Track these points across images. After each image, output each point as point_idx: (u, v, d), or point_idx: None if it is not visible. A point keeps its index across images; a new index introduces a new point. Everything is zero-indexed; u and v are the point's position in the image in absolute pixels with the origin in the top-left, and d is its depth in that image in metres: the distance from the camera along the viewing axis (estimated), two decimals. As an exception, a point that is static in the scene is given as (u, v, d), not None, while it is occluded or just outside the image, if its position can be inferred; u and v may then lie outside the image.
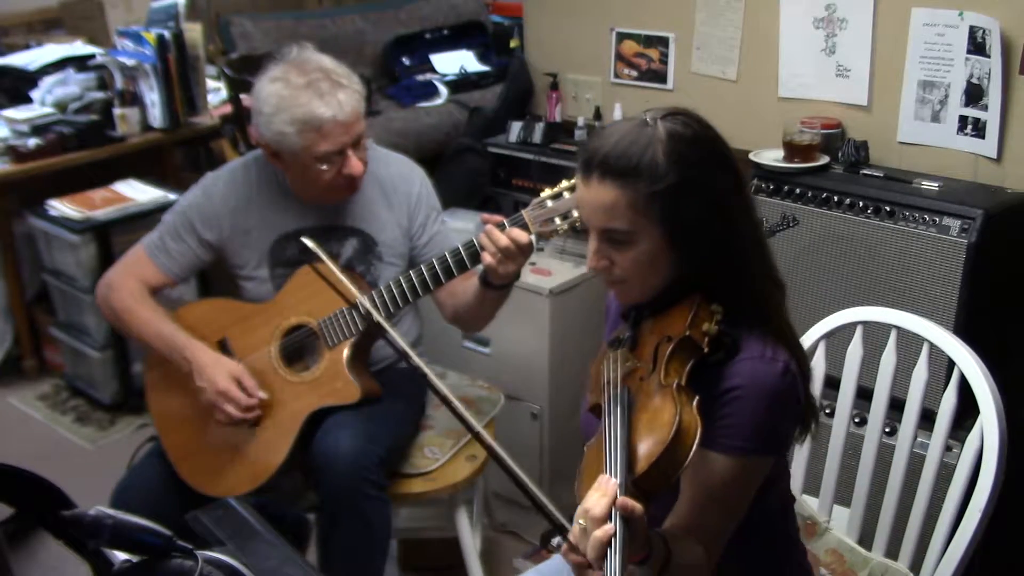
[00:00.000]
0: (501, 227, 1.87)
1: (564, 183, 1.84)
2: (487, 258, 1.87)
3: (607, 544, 1.10)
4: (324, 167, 2.02)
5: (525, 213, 1.87)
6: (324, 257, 1.73)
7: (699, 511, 1.35)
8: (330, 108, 1.97)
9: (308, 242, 1.78)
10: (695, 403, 1.23)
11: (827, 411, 2.16)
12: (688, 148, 1.32)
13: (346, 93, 2.00)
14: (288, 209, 2.16)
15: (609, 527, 1.10)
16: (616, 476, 1.16)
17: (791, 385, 1.35)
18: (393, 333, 1.51)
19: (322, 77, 1.99)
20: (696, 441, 1.19)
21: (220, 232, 2.17)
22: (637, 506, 1.13)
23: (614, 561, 1.08)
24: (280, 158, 2.06)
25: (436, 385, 1.36)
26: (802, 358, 1.42)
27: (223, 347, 2.15)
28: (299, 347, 2.12)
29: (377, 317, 1.59)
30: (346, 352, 2.07)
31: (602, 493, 1.14)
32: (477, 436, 1.33)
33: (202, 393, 2.06)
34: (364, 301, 1.68)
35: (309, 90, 1.98)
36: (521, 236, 1.85)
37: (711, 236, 1.34)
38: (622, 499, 1.12)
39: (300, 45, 2.08)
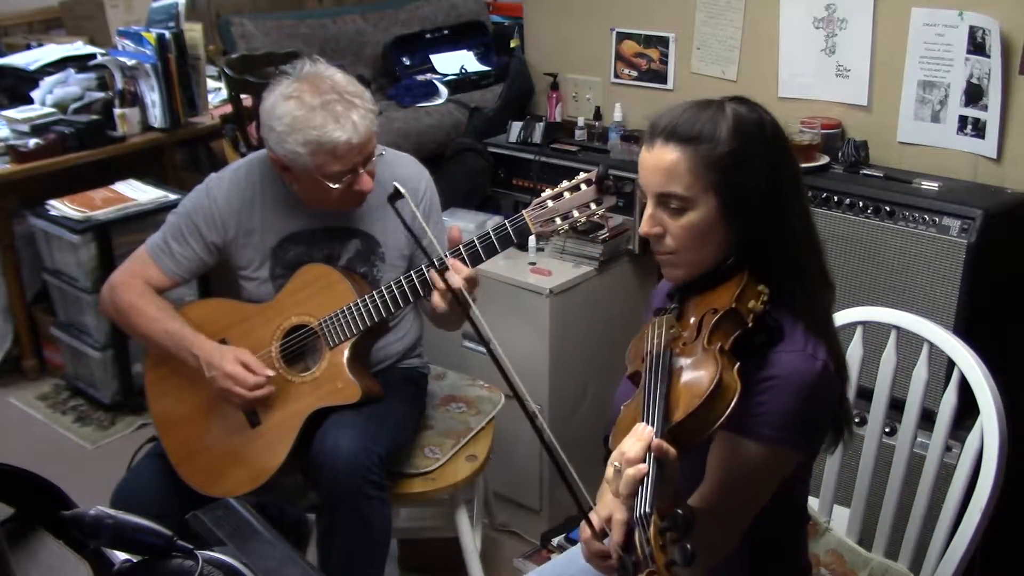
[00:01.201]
0: (443, 266, 1.84)
1: (565, 183, 1.84)
2: (436, 297, 1.88)
3: (639, 482, 1.12)
4: (334, 185, 2.02)
5: (525, 213, 1.87)
6: (411, 203, 1.74)
7: (722, 495, 1.36)
8: (345, 132, 1.96)
9: (399, 187, 1.76)
10: (736, 368, 1.25)
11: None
12: (752, 128, 1.37)
13: (359, 114, 1.98)
14: (291, 211, 2.16)
15: (642, 466, 1.13)
16: (652, 424, 1.19)
17: (828, 384, 1.37)
18: (477, 312, 1.56)
19: (337, 98, 1.98)
20: (735, 400, 1.21)
21: (224, 234, 2.16)
22: (671, 449, 1.15)
23: (645, 494, 1.10)
24: (290, 172, 2.06)
25: (497, 353, 1.43)
26: (841, 361, 1.43)
27: (223, 347, 2.14)
28: (300, 347, 2.12)
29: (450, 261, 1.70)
30: (347, 352, 2.07)
31: (637, 438, 1.16)
32: (521, 401, 1.39)
33: (213, 383, 2.06)
34: (444, 254, 1.77)
35: (324, 111, 1.96)
36: (455, 278, 1.82)
37: (764, 214, 1.36)
38: (657, 441, 1.14)
39: (312, 59, 2.07)
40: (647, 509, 1.09)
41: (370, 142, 2.02)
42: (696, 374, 1.26)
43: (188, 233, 2.16)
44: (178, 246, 2.17)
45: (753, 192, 1.35)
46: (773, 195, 1.37)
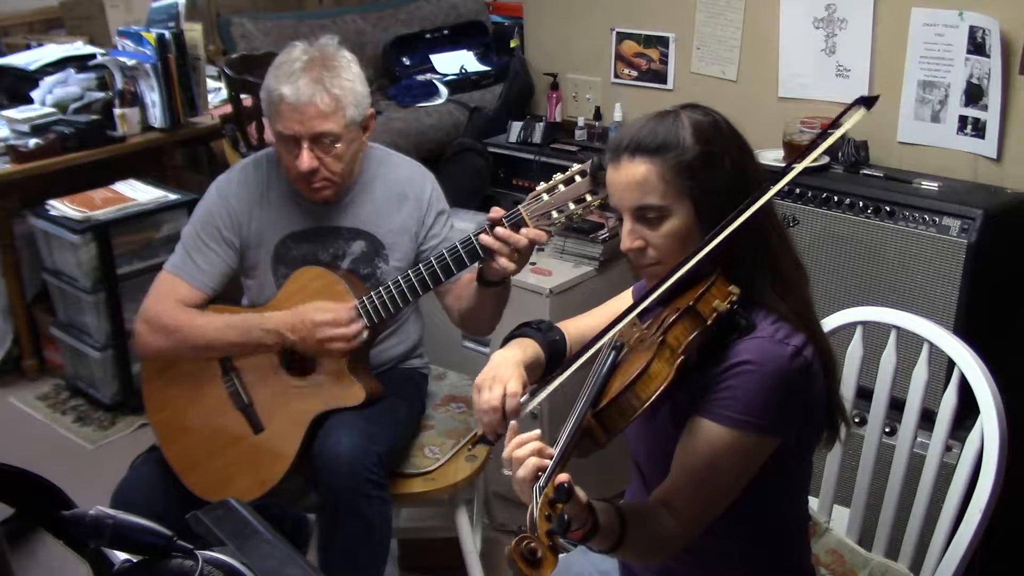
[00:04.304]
0: (502, 224, 1.86)
1: (559, 176, 1.82)
2: (490, 241, 1.86)
3: (527, 481, 1.20)
4: (283, 148, 2.03)
5: (522, 208, 1.85)
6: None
7: (683, 480, 1.36)
8: (288, 88, 1.97)
9: None
10: (677, 362, 1.28)
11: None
12: (711, 129, 1.40)
13: (314, 85, 1.97)
14: (296, 208, 2.15)
15: (531, 464, 1.21)
16: (581, 409, 1.26)
17: (800, 370, 1.35)
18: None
19: (307, 64, 2.00)
20: (660, 390, 1.26)
21: (241, 231, 2.15)
22: (564, 479, 1.19)
23: (545, 470, 1.18)
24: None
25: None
26: (825, 350, 1.42)
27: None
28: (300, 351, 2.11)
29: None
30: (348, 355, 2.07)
31: (531, 438, 1.25)
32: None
33: (305, 344, 2.03)
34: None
35: (289, 65, 2.00)
36: (540, 236, 1.85)
37: (736, 209, 1.36)
38: (564, 476, 1.18)
39: (333, 37, 2.10)
40: (541, 483, 1.15)
41: (317, 120, 1.98)
42: (632, 363, 1.30)
43: (210, 239, 2.13)
44: (201, 257, 2.13)
45: (724, 191, 1.37)
46: (740, 192, 1.38)
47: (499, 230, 1.85)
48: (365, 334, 2.04)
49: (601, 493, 1.42)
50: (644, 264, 1.44)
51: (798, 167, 1.38)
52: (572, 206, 1.81)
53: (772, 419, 1.35)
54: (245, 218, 2.15)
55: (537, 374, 1.57)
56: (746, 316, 1.36)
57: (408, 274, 1.99)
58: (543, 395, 1.44)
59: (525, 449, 1.23)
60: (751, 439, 1.34)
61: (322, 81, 1.99)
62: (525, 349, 1.59)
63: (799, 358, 1.35)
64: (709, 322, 1.33)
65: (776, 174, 1.39)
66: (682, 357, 1.28)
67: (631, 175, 1.39)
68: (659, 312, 1.42)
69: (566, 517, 1.10)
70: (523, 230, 1.84)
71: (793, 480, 1.49)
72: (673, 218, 1.39)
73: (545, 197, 1.83)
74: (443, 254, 1.95)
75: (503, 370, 1.50)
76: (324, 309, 2.02)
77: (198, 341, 2.08)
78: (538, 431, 1.28)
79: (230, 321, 2.07)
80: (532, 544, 1.07)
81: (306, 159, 2.00)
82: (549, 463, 1.19)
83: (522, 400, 1.47)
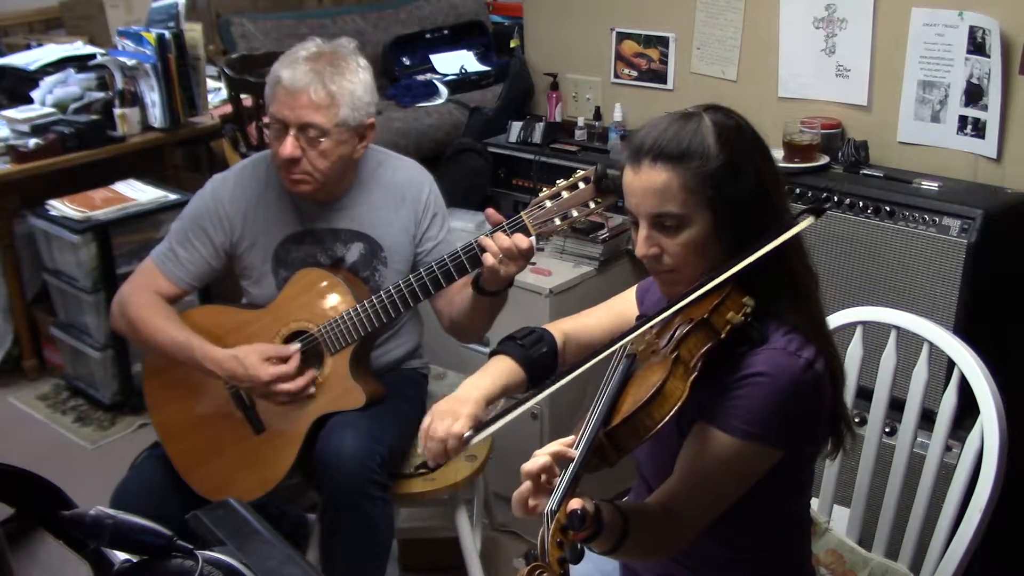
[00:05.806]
0: (503, 229, 1.86)
1: (562, 182, 1.82)
2: (488, 259, 1.85)
3: (524, 496, 1.21)
4: (273, 133, 2.04)
5: (524, 214, 1.85)
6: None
7: (686, 486, 1.35)
8: (288, 73, 1.99)
9: None
10: (691, 378, 1.25)
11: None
12: (734, 135, 1.37)
13: (312, 76, 1.98)
14: (293, 210, 2.15)
15: (527, 484, 1.22)
16: (590, 426, 1.24)
17: (811, 382, 1.34)
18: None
19: (314, 55, 2.02)
20: (675, 409, 1.23)
21: (231, 234, 2.15)
22: (567, 452, 1.23)
23: (557, 493, 1.16)
24: None
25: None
26: (835, 363, 1.41)
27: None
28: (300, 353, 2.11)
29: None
30: (349, 358, 2.06)
31: (544, 452, 1.24)
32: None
33: (252, 392, 2.06)
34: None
35: (296, 53, 2.03)
36: (523, 240, 1.84)
37: (757, 220, 1.36)
38: (561, 449, 1.22)
39: (352, 41, 2.11)
40: (553, 507, 1.13)
41: (307, 110, 1.98)
42: (645, 380, 1.27)
43: (195, 237, 2.14)
44: (185, 252, 2.14)
45: (744, 201, 1.35)
46: (763, 198, 1.36)
47: (500, 237, 1.84)
48: (313, 389, 2.06)
49: (603, 492, 1.42)
50: (659, 270, 1.42)
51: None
52: (575, 213, 1.80)
53: (780, 431, 1.34)
54: (238, 221, 2.14)
55: (513, 392, 1.57)
56: (759, 328, 1.34)
57: (410, 279, 1.98)
58: (492, 428, 1.44)
59: (534, 465, 1.21)
60: (757, 450, 1.34)
61: (322, 74, 1.99)
62: (496, 378, 1.59)
63: (811, 371, 1.34)
64: (723, 335, 1.30)
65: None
66: (695, 373, 1.26)
67: (651, 181, 1.35)
68: (670, 320, 1.40)
69: (579, 546, 1.08)
70: (516, 236, 1.84)
71: (795, 487, 1.49)
72: (692, 227, 1.36)
73: (548, 203, 1.82)
74: (444, 259, 1.94)
75: (460, 405, 1.52)
76: (267, 359, 2.02)
77: (149, 342, 2.13)
78: (570, 438, 1.26)
79: (179, 339, 2.08)
80: (544, 574, 1.05)
81: (289, 145, 2.00)
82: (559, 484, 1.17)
83: (466, 436, 1.48)
